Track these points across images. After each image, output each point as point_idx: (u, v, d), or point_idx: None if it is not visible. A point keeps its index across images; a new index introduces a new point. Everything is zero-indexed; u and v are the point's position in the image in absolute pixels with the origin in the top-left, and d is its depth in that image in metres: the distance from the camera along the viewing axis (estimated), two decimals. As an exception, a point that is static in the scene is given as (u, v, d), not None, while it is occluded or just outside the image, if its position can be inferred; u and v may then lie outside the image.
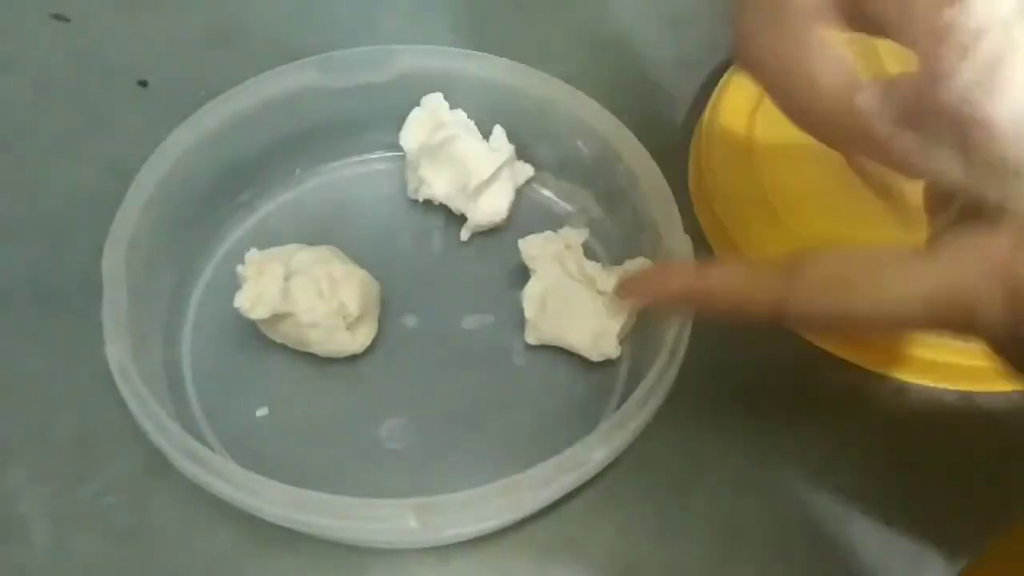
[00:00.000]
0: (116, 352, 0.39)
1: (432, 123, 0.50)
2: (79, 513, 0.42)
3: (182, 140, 0.46)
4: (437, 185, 0.50)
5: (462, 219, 0.50)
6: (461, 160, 0.48)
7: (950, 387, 0.46)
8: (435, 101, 0.50)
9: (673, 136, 0.55)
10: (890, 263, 0.29)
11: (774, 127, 0.51)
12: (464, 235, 0.50)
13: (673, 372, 0.40)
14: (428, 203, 0.50)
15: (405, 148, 0.51)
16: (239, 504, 0.37)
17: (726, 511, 0.43)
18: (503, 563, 0.41)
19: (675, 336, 0.41)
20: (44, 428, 0.44)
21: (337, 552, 0.41)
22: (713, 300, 0.35)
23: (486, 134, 0.50)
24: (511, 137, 0.50)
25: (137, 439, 0.39)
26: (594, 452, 0.37)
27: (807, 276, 0.31)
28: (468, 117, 0.50)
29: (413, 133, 0.50)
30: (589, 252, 0.48)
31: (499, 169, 0.49)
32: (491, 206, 0.50)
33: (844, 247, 0.31)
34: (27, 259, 0.49)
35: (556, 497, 0.39)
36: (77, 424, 0.44)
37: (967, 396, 0.46)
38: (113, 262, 0.42)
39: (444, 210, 0.50)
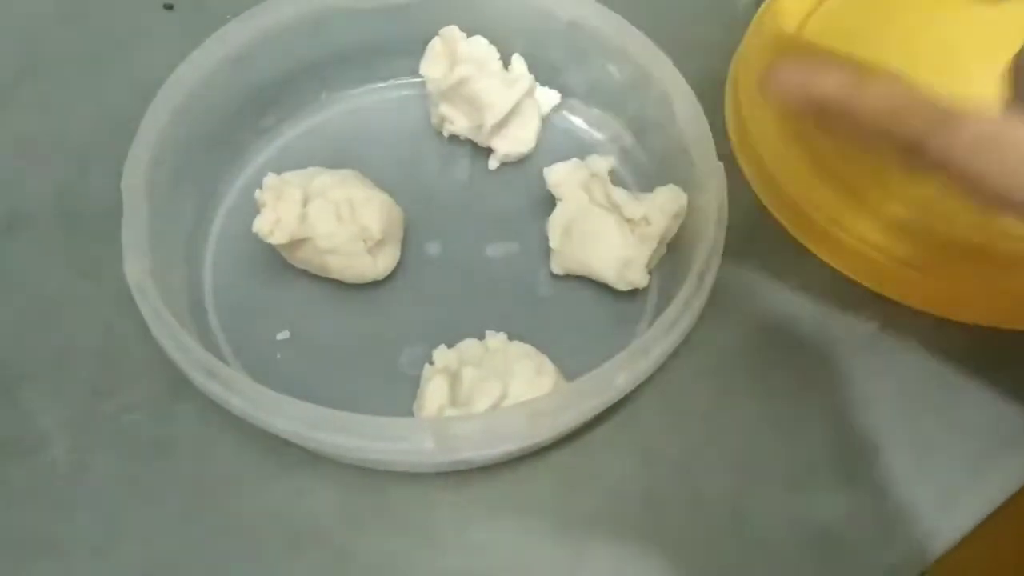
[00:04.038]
0: (135, 269, 0.39)
1: (449, 56, 0.49)
2: (100, 430, 0.42)
3: (203, 59, 0.45)
4: (459, 122, 0.49)
5: (489, 150, 0.49)
6: (477, 99, 0.47)
7: (987, 323, 0.44)
8: (451, 33, 0.49)
9: (710, 60, 0.53)
10: None
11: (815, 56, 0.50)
12: (492, 164, 0.49)
13: (701, 300, 0.39)
14: (454, 135, 0.49)
15: (426, 79, 0.50)
16: (257, 421, 0.36)
17: (751, 444, 0.42)
18: (522, 490, 0.41)
19: (703, 263, 0.39)
20: (66, 347, 0.44)
21: (356, 475, 0.40)
22: (867, 112, 0.31)
23: (511, 59, 0.49)
24: (538, 61, 0.49)
25: (159, 359, 0.39)
26: (616, 377, 0.37)
27: (969, 128, 0.28)
28: (492, 42, 0.49)
29: (432, 65, 0.49)
30: (618, 180, 0.47)
31: (519, 102, 0.48)
32: (516, 136, 0.49)
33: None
34: (52, 180, 0.49)
35: (577, 422, 0.38)
36: (99, 344, 0.44)
37: (1006, 336, 0.44)
38: (133, 180, 0.41)
39: (470, 141, 0.50)
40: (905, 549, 0.40)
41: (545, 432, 0.37)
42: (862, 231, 0.45)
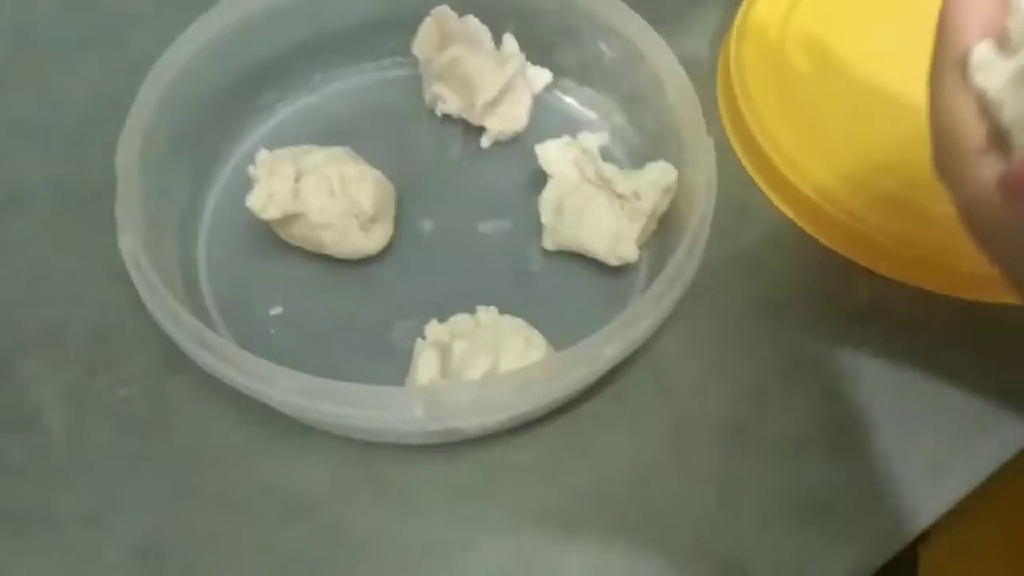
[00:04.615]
0: (129, 242, 0.39)
1: (441, 36, 0.49)
2: (95, 404, 0.42)
3: (196, 37, 0.45)
4: (451, 101, 0.49)
5: (481, 128, 0.49)
6: (469, 79, 0.48)
7: (976, 298, 0.45)
8: (443, 12, 0.49)
9: (701, 37, 0.53)
10: None
11: (808, 32, 0.50)
12: (484, 143, 0.50)
13: (690, 271, 0.39)
14: (447, 114, 0.50)
15: (419, 59, 0.50)
16: (251, 392, 0.37)
17: (740, 417, 0.42)
18: (512, 462, 0.41)
19: (693, 235, 0.40)
20: (61, 322, 0.44)
21: (348, 447, 0.41)
22: None
23: (503, 38, 0.49)
24: (530, 40, 0.49)
25: (153, 334, 0.40)
26: (605, 347, 0.37)
27: None
28: (483, 22, 0.49)
29: (425, 44, 0.50)
30: (609, 157, 0.47)
31: (509, 81, 0.48)
32: (508, 115, 0.49)
33: None
34: (47, 158, 0.49)
35: (566, 392, 0.38)
36: (94, 319, 0.44)
37: (993, 308, 0.45)
38: (127, 156, 0.42)
39: (463, 120, 0.50)
40: (892, 521, 0.40)
41: (535, 401, 0.37)
42: (852, 206, 0.45)
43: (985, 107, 0.27)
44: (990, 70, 0.27)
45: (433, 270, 0.46)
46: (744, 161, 0.49)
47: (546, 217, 0.45)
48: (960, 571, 0.60)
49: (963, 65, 0.28)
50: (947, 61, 0.28)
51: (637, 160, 0.47)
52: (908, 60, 0.49)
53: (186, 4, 0.54)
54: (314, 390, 0.36)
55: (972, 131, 0.27)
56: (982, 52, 0.27)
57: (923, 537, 0.62)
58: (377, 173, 0.45)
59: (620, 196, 0.44)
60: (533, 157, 0.46)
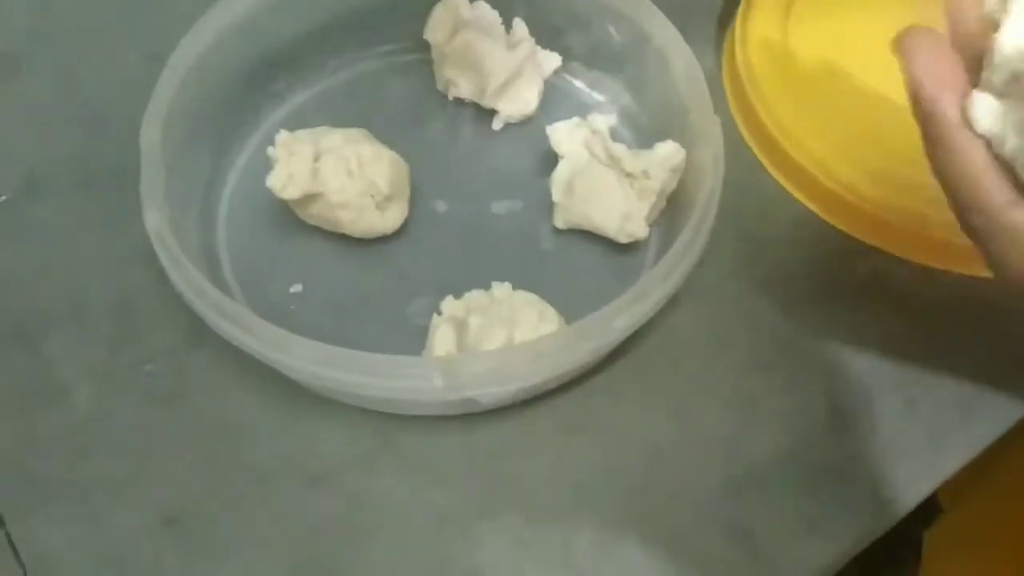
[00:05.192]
0: (154, 218, 0.40)
1: (452, 21, 0.50)
2: (120, 379, 0.43)
3: (214, 23, 0.46)
4: (463, 85, 0.50)
5: (493, 111, 0.50)
6: (479, 64, 0.49)
7: (977, 273, 0.46)
8: None
9: (708, 19, 0.54)
10: None
11: (813, 14, 0.51)
12: (496, 125, 0.51)
13: (699, 246, 0.41)
14: (459, 98, 0.51)
15: (431, 44, 0.51)
16: (270, 361, 0.38)
17: (749, 388, 0.43)
18: (526, 433, 0.42)
19: (702, 211, 0.41)
20: (84, 299, 0.45)
21: (366, 418, 0.42)
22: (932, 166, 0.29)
23: (512, 22, 0.50)
24: (540, 24, 0.50)
25: (176, 309, 0.41)
26: (615, 320, 0.38)
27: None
28: (493, 7, 0.50)
29: (436, 30, 0.51)
30: (618, 139, 0.48)
31: (520, 65, 0.49)
32: (519, 98, 0.50)
33: None
34: (68, 142, 0.50)
35: (578, 363, 0.39)
36: (117, 296, 0.45)
37: (992, 282, 0.46)
38: (150, 137, 0.43)
39: (475, 104, 0.51)
40: (893, 490, 0.41)
41: (548, 371, 0.39)
42: (855, 184, 0.46)
43: (998, 152, 0.28)
44: (994, 115, 0.28)
45: (447, 249, 0.47)
46: (749, 141, 0.50)
47: (557, 196, 0.46)
48: (964, 554, 0.61)
49: (956, 123, 0.28)
50: (941, 125, 0.28)
51: (646, 140, 0.48)
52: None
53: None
54: (333, 359, 0.37)
55: (993, 183, 0.28)
56: (983, 100, 0.28)
57: (927, 521, 0.63)
58: (393, 154, 0.46)
59: (629, 175, 0.45)
60: (544, 139, 0.47)
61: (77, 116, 0.51)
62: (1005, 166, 0.28)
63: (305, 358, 0.37)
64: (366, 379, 0.37)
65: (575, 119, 0.47)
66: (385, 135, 0.48)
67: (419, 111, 0.51)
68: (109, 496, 0.41)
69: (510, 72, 0.49)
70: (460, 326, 0.41)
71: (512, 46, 0.49)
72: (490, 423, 0.42)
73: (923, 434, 0.42)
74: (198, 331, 0.40)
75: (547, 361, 0.38)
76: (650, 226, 0.46)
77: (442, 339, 0.41)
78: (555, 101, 0.51)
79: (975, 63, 0.29)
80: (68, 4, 0.56)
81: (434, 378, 0.37)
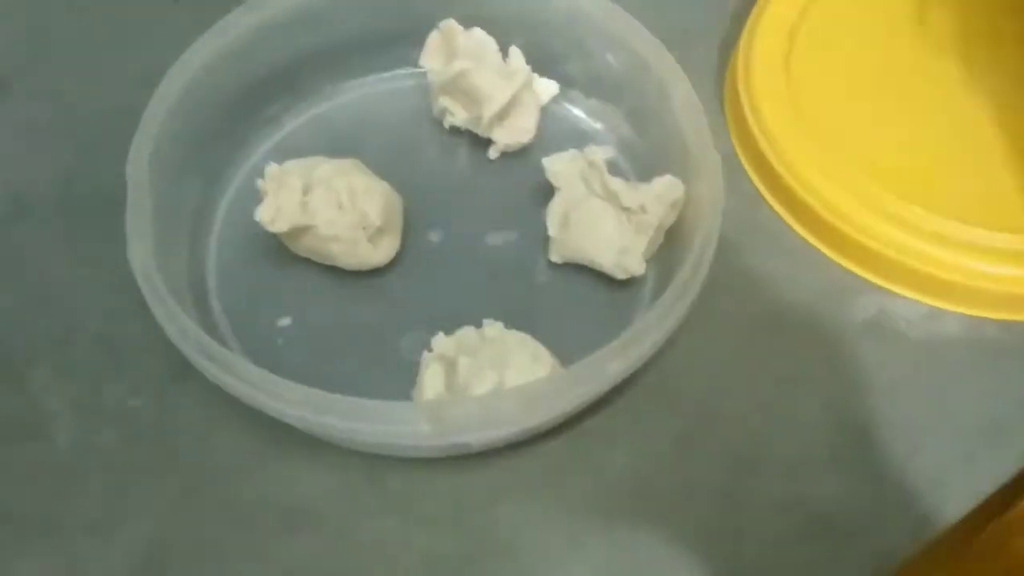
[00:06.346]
0: (138, 253, 0.40)
1: (447, 49, 0.50)
2: (103, 414, 0.42)
3: (205, 48, 0.46)
4: (459, 114, 0.49)
5: (489, 140, 0.50)
6: (475, 92, 0.48)
7: (983, 315, 0.45)
8: (449, 26, 0.49)
9: (708, 49, 0.54)
10: None
11: (815, 45, 0.50)
12: (492, 154, 0.50)
13: (695, 288, 0.40)
14: (454, 126, 0.50)
15: (427, 70, 0.50)
16: (257, 404, 0.37)
17: (746, 431, 0.42)
18: (517, 476, 0.41)
19: (699, 250, 0.40)
20: (69, 332, 0.44)
21: (353, 459, 0.41)
22: None
23: (509, 50, 0.49)
24: (537, 51, 0.49)
25: (161, 344, 0.40)
26: (609, 364, 0.37)
27: None
28: (490, 33, 0.49)
29: (431, 57, 0.50)
30: (616, 170, 0.47)
31: (516, 94, 0.48)
32: (516, 127, 0.49)
33: None
34: (56, 168, 0.49)
35: (570, 408, 0.38)
36: (102, 329, 0.45)
37: (1001, 325, 0.45)
38: (137, 166, 0.42)
39: (470, 132, 0.50)
40: (898, 534, 0.40)
41: (538, 417, 0.38)
42: (860, 220, 0.45)
43: None
44: None
45: (440, 281, 0.46)
46: (750, 172, 0.49)
47: (553, 230, 0.45)
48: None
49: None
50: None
51: (644, 172, 0.47)
52: (918, 74, 0.49)
53: (196, 14, 0.55)
54: (319, 404, 0.36)
55: None
56: None
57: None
58: (385, 185, 0.45)
59: (627, 209, 0.44)
60: (540, 169, 0.46)
61: (65, 140, 0.50)
62: None
63: (290, 402, 0.36)
64: (352, 424, 0.36)
65: (572, 151, 0.46)
66: (379, 163, 0.47)
67: (414, 138, 0.51)
68: (86, 533, 0.40)
69: (506, 100, 0.48)
70: (450, 366, 0.40)
71: (509, 74, 0.48)
72: (480, 465, 0.41)
73: (927, 479, 0.41)
74: (183, 365, 0.39)
75: (538, 406, 0.37)
76: (647, 261, 0.45)
77: (431, 379, 0.40)
78: (553, 129, 0.50)
79: None
80: (60, 26, 0.55)
81: (421, 424, 0.36)
